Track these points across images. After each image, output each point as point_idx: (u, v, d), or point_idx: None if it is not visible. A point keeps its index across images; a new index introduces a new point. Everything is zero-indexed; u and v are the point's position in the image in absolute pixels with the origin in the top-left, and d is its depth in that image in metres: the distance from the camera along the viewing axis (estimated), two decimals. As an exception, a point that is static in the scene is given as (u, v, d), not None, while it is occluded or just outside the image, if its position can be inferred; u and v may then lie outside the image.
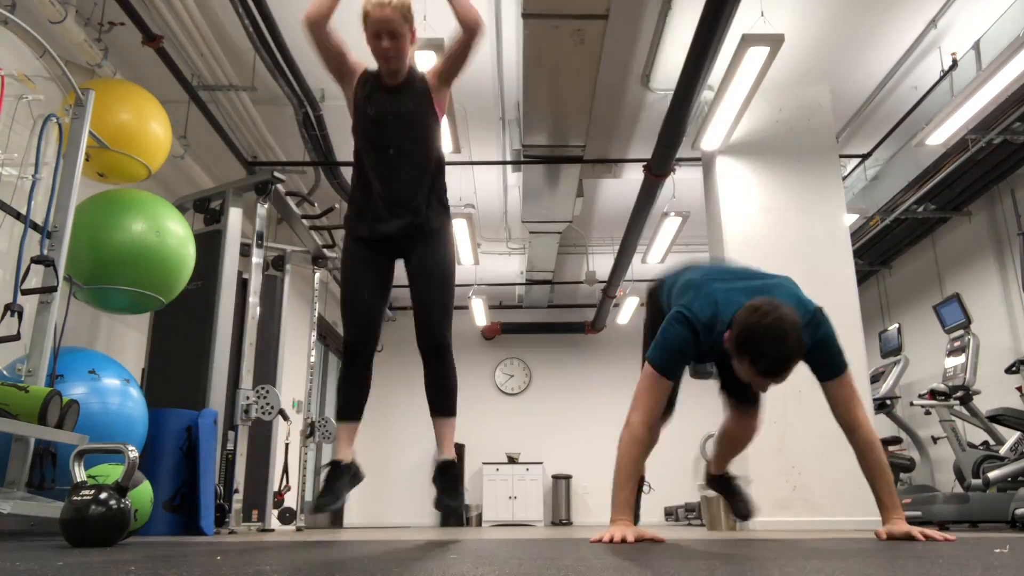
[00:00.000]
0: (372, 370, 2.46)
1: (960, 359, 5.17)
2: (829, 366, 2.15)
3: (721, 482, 2.75)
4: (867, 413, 2.17)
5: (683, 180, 5.99)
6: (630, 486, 2.13)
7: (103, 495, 1.86)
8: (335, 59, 2.38)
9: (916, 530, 1.98)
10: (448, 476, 2.42)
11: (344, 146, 5.83)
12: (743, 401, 2.53)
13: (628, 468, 2.11)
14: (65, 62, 2.98)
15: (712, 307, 2.08)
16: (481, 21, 2.34)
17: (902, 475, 6.01)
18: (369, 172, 2.41)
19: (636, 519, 2.42)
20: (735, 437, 2.64)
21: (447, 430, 2.47)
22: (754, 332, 1.91)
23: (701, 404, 9.40)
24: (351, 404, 2.44)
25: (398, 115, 2.37)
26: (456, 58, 2.41)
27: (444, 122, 4.76)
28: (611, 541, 1.92)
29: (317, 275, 5.98)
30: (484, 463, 9.85)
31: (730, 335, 1.98)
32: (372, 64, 2.40)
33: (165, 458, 3.61)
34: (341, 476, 2.34)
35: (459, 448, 9.79)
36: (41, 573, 1.02)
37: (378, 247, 2.43)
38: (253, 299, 4.67)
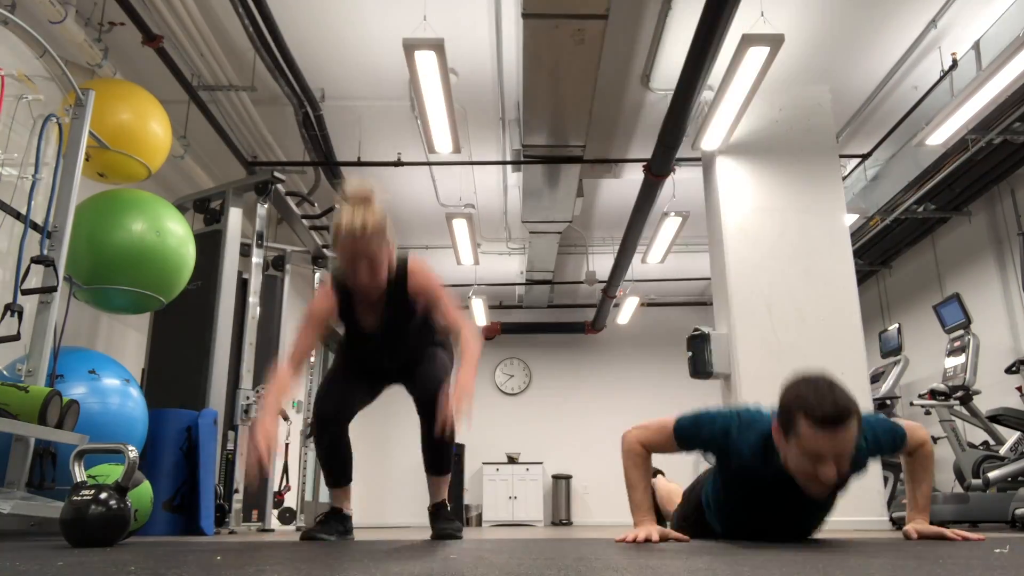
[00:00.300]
0: (347, 438, 2.42)
1: (960, 359, 5.17)
2: (893, 440, 2.02)
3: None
4: (925, 432, 2.10)
5: (683, 180, 5.99)
6: (640, 488, 2.08)
7: (103, 495, 1.86)
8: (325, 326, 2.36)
9: (949, 531, 1.95)
10: (442, 514, 2.47)
11: (344, 146, 5.85)
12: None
13: (631, 473, 2.09)
14: (65, 62, 2.98)
15: (750, 414, 2.00)
16: (467, 333, 2.26)
17: (902, 475, 6.00)
18: (360, 352, 2.46)
19: (659, 518, 2.38)
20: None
21: (440, 484, 2.51)
22: (803, 389, 1.75)
23: (701, 404, 9.36)
24: (335, 473, 2.42)
25: (377, 333, 2.35)
26: (437, 314, 2.35)
27: (445, 113, 4.77)
28: (635, 541, 1.87)
29: (317, 275, 5.98)
30: (484, 463, 9.86)
31: (775, 418, 1.82)
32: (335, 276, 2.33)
33: (165, 458, 3.62)
34: (340, 521, 2.40)
35: (459, 448, 9.85)
36: (41, 573, 1.02)
37: (377, 373, 2.50)
38: (253, 299, 4.67)
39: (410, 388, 2.42)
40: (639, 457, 2.10)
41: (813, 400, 1.70)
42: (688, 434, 2.02)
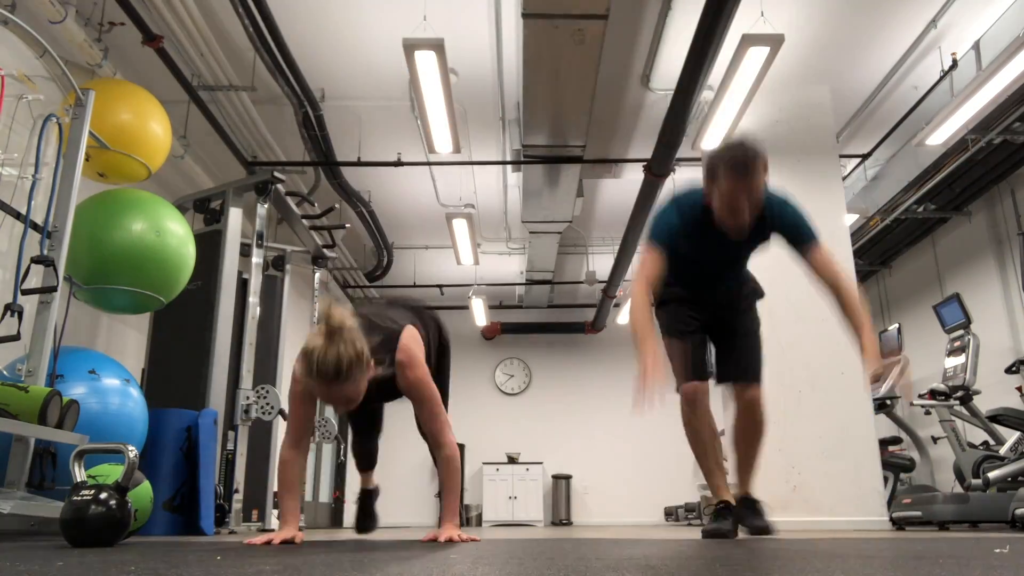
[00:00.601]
0: (378, 439, 2.81)
1: (960, 359, 5.17)
2: (801, 230, 2.37)
3: (746, 505, 2.55)
4: (846, 272, 2.40)
5: (683, 180, 5.99)
6: (642, 314, 2.32)
7: (103, 495, 1.86)
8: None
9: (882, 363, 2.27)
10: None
11: (344, 146, 5.85)
12: (732, 369, 2.68)
13: (638, 306, 2.31)
14: (65, 62, 2.98)
15: (687, 189, 2.47)
16: (448, 452, 2.18)
17: (902, 475, 6.01)
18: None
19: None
20: (742, 428, 2.63)
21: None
22: (720, 146, 2.33)
23: (701, 404, 9.15)
24: (367, 461, 2.84)
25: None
26: (420, 416, 2.23)
27: (445, 113, 4.77)
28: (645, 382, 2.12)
29: (317, 275, 5.98)
30: (484, 463, 9.86)
31: (704, 175, 2.29)
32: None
33: (165, 458, 3.61)
34: (372, 500, 2.86)
35: (459, 448, 9.85)
36: (41, 573, 1.02)
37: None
38: (253, 299, 4.67)
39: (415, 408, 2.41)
40: (640, 296, 2.34)
41: (727, 152, 2.26)
42: (655, 232, 2.41)
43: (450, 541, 1.98)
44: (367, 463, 2.84)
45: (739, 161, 2.21)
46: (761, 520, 2.44)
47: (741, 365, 2.65)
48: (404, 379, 2.13)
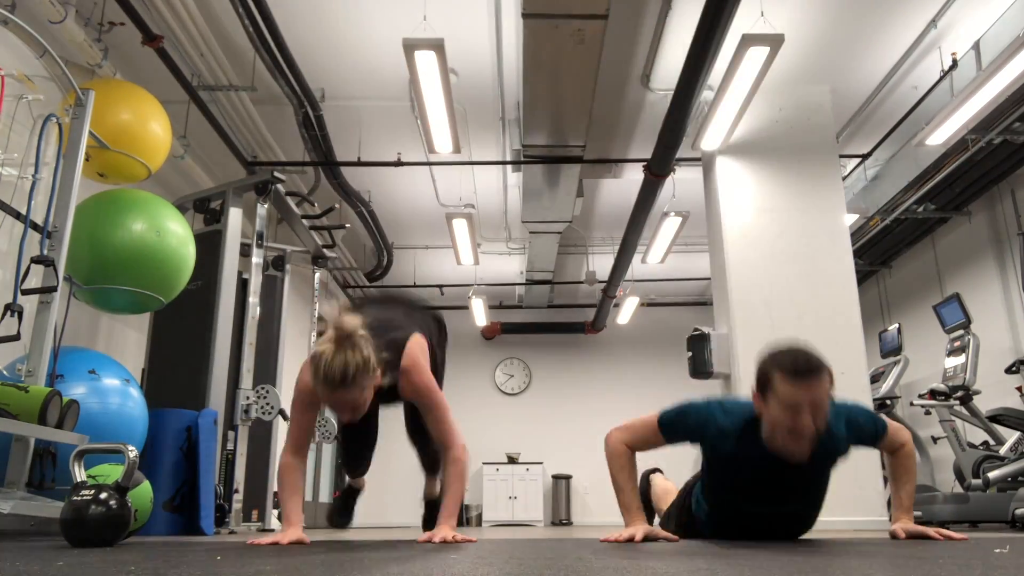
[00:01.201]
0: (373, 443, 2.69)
1: (960, 359, 5.17)
2: (874, 428, 2.12)
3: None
4: (907, 433, 2.19)
5: (683, 180, 5.99)
6: (627, 489, 2.16)
7: (103, 495, 1.86)
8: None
9: (932, 530, 2.02)
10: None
11: (344, 146, 5.85)
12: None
13: (618, 476, 2.16)
14: (65, 62, 2.98)
15: (730, 401, 2.13)
16: (456, 453, 2.13)
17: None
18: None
19: (651, 516, 2.49)
20: None
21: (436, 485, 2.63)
22: (775, 352, 1.93)
23: (701, 404, 9.16)
24: (361, 471, 2.77)
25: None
26: (427, 421, 2.18)
27: (445, 113, 4.77)
28: (618, 540, 1.94)
29: (317, 275, 5.98)
30: (484, 463, 9.85)
31: (754, 389, 1.96)
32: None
33: (165, 458, 3.61)
34: (355, 498, 2.81)
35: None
36: (41, 573, 1.02)
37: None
38: (253, 299, 4.67)
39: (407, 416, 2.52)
40: (623, 458, 2.16)
41: (785, 357, 1.89)
42: (673, 424, 2.10)
43: (445, 542, 1.94)
44: (361, 472, 2.79)
45: (802, 366, 1.86)
46: None
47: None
48: (410, 385, 2.11)
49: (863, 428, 2.08)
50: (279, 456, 2.24)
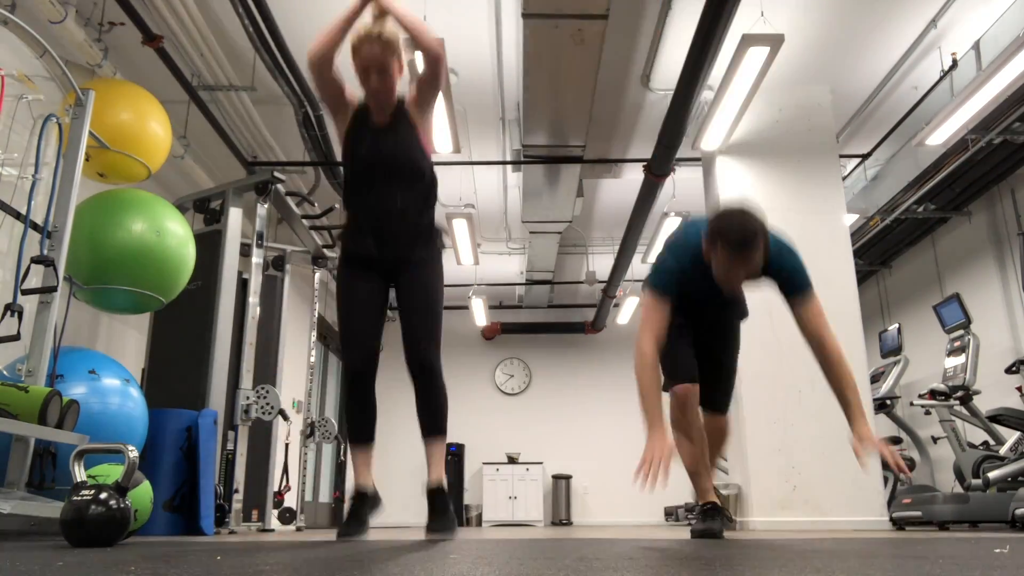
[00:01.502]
0: (375, 392, 2.50)
1: (960, 359, 5.17)
2: (794, 281, 2.37)
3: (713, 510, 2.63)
4: (834, 332, 2.41)
5: (683, 180, 5.99)
6: (652, 394, 2.30)
7: (103, 495, 1.86)
8: (333, 97, 2.44)
9: (883, 445, 2.21)
10: (438, 504, 2.38)
11: (344, 146, 5.84)
12: (713, 397, 2.72)
13: (647, 385, 2.30)
14: (65, 62, 2.98)
15: (686, 231, 2.50)
16: (438, 45, 2.35)
17: (902, 475, 6.00)
18: (359, 205, 2.46)
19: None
20: (710, 443, 2.73)
21: (437, 451, 2.45)
22: (722, 214, 2.30)
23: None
24: (361, 427, 2.49)
25: (387, 156, 2.40)
26: (426, 85, 2.43)
27: (445, 113, 4.77)
28: (650, 466, 2.07)
29: (317, 275, 5.98)
30: (484, 463, 9.86)
31: (705, 236, 2.31)
32: (362, 95, 2.45)
33: (165, 458, 3.61)
34: (365, 504, 2.44)
35: (459, 448, 9.85)
36: (41, 573, 1.02)
37: (372, 270, 2.46)
38: (253, 299, 4.67)
39: (403, 321, 2.44)
40: (653, 366, 2.33)
41: (729, 226, 2.25)
42: (660, 281, 2.43)
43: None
44: (365, 426, 2.48)
45: (737, 239, 2.22)
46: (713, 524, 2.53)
47: (719, 399, 2.76)
48: (411, 104, 2.43)
49: (784, 264, 2.39)
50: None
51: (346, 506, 2.52)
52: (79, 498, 1.85)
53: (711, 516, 2.52)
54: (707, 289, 2.42)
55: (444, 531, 2.34)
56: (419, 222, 2.46)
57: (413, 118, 2.44)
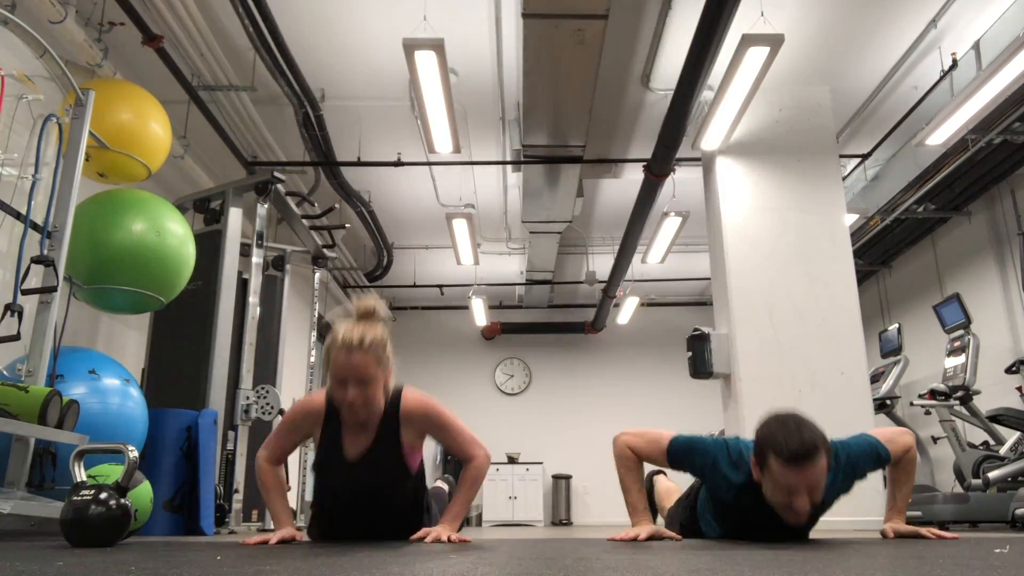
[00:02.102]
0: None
1: (960, 359, 5.17)
2: (877, 460, 2.12)
3: None
4: (910, 436, 2.20)
5: (683, 180, 5.99)
6: (634, 490, 2.21)
7: (103, 495, 1.86)
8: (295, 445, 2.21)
9: (924, 530, 2.07)
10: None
11: (344, 147, 5.85)
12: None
13: (625, 478, 2.23)
14: (65, 62, 2.98)
15: (739, 450, 2.09)
16: (480, 460, 2.10)
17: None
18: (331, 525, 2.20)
19: (655, 515, 2.52)
20: None
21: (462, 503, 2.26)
22: (773, 428, 1.91)
23: (701, 404, 9.46)
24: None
25: (362, 489, 2.05)
26: (446, 439, 2.13)
27: (445, 113, 4.76)
28: (623, 539, 2.01)
29: (317, 275, 5.98)
30: (484, 463, 9.85)
31: (753, 456, 1.96)
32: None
33: (165, 458, 3.61)
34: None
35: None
36: (41, 573, 1.02)
37: None
38: (253, 299, 4.67)
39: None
40: (630, 461, 2.21)
41: (781, 439, 1.85)
42: (680, 457, 2.13)
43: (438, 541, 1.91)
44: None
45: (797, 454, 1.84)
46: None
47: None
48: (408, 406, 2.03)
49: (864, 464, 2.09)
50: (257, 459, 2.16)
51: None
52: (79, 498, 1.85)
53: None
54: (763, 521, 2.00)
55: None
56: (410, 517, 2.15)
57: (400, 436, 2.03)
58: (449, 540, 1.92)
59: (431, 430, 2.08)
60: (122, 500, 1.89)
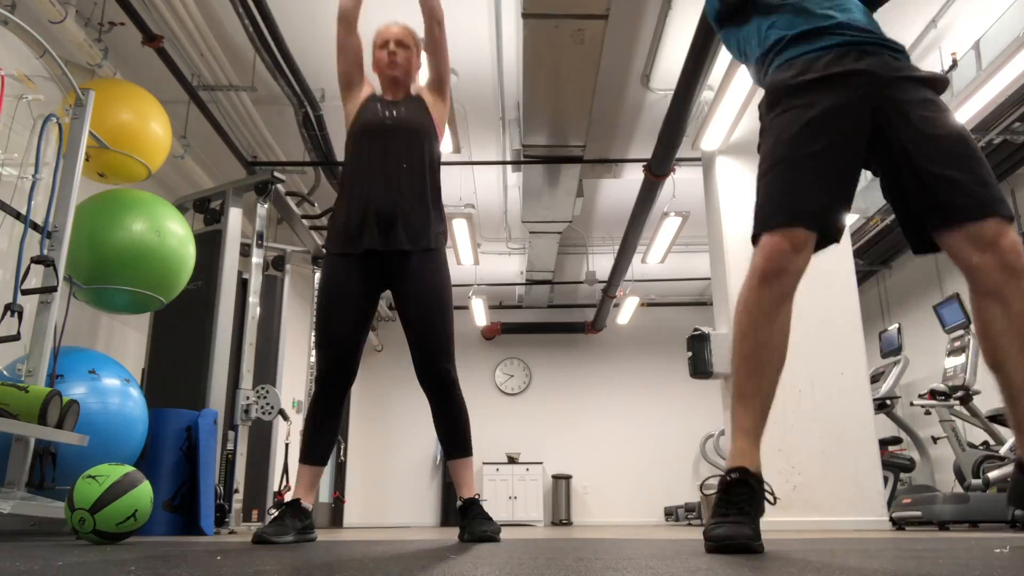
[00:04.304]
0: (342, 410, 2.29)
1: (960, 359, 5.17)
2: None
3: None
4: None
5: (683, 180, 5.99)
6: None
7: None
8: (350, 61, 2.52)
9: None
10: (476, 511, 2.23)
11: (344, 146, 5.84)
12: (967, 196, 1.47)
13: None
14: (65, 62, 2.98)
15: None
16: (437, 5, 2.46)
17: (902, 475, 6.01)
18: (361, 184, 2.27)
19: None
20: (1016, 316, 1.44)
21: (465, 471, 2.29)
22: None
23: (701, 404, 9.47)
24: (317, 448, 2.24)
25: (395, 123, 2.39)
26: (432, 54, 2.51)
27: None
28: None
29: (317, 275, 5.98)
30: (484, 463, 9.85)
31: None
32: (379, 89, 2.54)
33: (165, 458, 3.61)
34: (298, 515, 2.17)
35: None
36: (41, 573, 1.02)
37: (365, 269, 2.22)
38: (253, 299, 4.67)
39: (408, 331, 2.25)
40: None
41: None
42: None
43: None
44: (321, 447, 2.24)
45: None
46: None
47: (981, 187, 1.50)
48: (426, 91, 2.53)
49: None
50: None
51: (270, 512, 2.33)
52: None
53: (737, 504, 1.38)
54: None
55: (490, 533, 2.13)
56: (421, 201, 2.26)
57: (425, 100, 2.49)
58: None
59: (425, 71, 2.56)
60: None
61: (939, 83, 1.55)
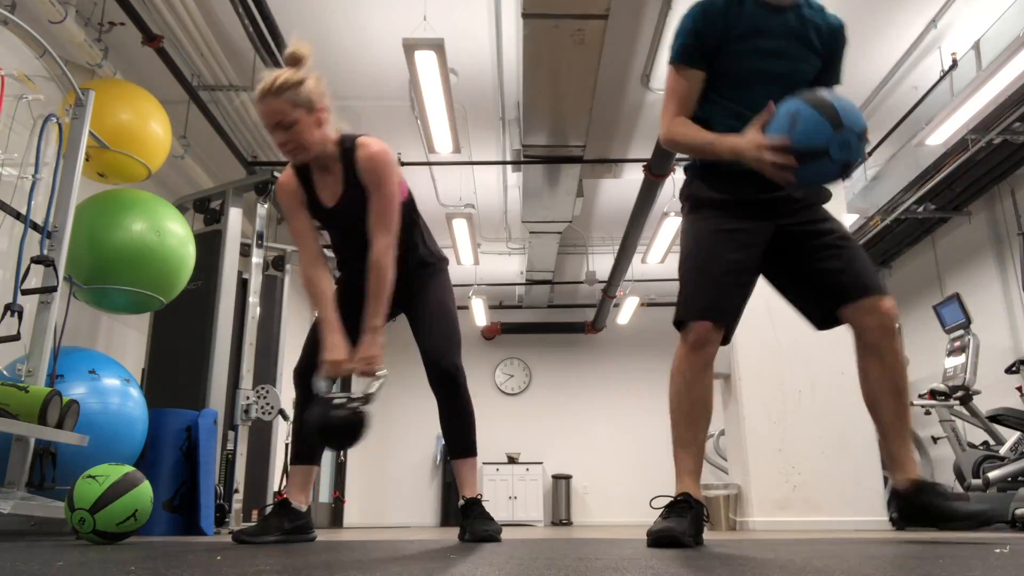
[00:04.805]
0: None
1: (960, 359, 5.17)
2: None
3: (917, 494, 1.78)
4: None
5: (683, 180, 5.99)
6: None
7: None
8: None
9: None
10: (477, 511, 2.26)
11: (344, 146, 5.85)
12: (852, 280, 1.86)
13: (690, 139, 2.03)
14: (65, 62, 2.98)
15: None
16: (380, 246, 2.06)
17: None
18: (348, 270, 2.31)
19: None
20: (885, 371, 1.95)
21: (469, 471, 2.31)
22: None
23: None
24: (307, 446, 2.25)
25: (347, 230, 2.15)
26: (372, 199, 2.08)
27: (445, 113, 4.76)
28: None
29: (317, 275, 5.98)
30: (484, 463, 9.85)
31: None
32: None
33: (165, 458, 3.61)
34: (286, 516, 2.16)
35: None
36: (41, 573, 1.02)
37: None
38: (253, 299, 4.67)
39: (418, 339, 2.30)
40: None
41: None
42: (680, 47, 1.95)
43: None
44: (309, 448, 2.23)
45: None
46: (954, 504, 1.72)
47: (862, 273, 1.86)
48: (360, 156, 2.04)
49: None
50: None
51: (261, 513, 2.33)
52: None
53: (678, 512, 1.77)
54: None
55: (491, 532, 2.16)
56: (410, 243, 2.22)
57: (360, 178, 2.08)
58: (366, 370, 2.01)
59: (368, 185, 2.05)
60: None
61: (825, 199, 1.97)
